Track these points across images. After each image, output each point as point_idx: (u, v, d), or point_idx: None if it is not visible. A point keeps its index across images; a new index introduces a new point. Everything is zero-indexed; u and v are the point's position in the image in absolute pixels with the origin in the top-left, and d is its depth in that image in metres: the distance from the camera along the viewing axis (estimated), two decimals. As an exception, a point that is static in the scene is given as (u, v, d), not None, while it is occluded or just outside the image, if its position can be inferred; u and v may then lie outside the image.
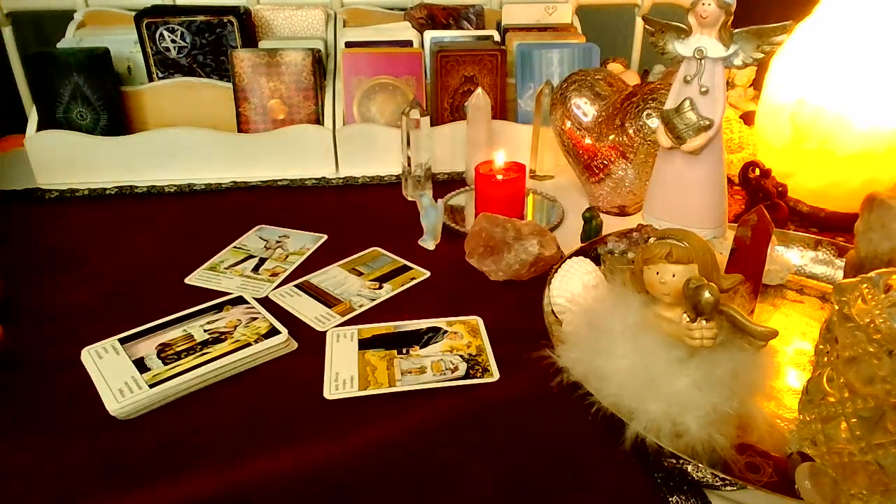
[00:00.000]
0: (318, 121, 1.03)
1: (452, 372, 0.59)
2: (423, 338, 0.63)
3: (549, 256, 0.73)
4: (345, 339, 0.63)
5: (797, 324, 0.68)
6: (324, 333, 0.64)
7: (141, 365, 0.58)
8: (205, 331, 0.63)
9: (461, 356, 0.61)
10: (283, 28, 1.13)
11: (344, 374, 0.58)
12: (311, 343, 0.63)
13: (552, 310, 0.64)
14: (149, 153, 0.98)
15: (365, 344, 0.62)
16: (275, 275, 0.75)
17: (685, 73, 0.69)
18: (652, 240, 0.52)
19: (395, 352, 0.61)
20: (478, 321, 0.66)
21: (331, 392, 0.56)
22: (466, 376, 0.58)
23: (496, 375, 0.58)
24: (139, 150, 0.98)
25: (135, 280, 0.74)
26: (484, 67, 1.05)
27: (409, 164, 0.93)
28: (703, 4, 0.65)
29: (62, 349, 0.61)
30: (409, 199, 0.95)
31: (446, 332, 0.64)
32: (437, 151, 1.01)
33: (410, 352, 0.61)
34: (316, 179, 1.01)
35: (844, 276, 0.68)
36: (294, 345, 0.63)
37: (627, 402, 0.49)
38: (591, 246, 0.73)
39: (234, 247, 0.81)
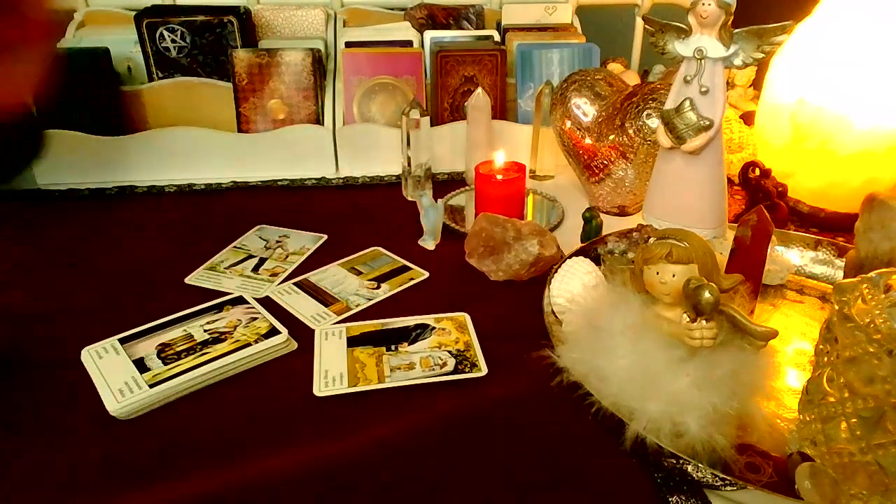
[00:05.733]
0: (318, 121, 1.03)
1: (441, 368, 0.59)
2: (412, 334, 0.63)
3: (549, 256, 0.73)
4: (333, 336, 0.63)
5: (797, 324, 0.68)
6: (320, 332, 0.64)
7: (141, 365, 0.58)
8: (205, 331, 0.63)
9: (449, 352, 0.61)
10: (283, 28, 1.13)
11: (333, 371, 0.58)
12: (308, 342, 0.63)
13: (552, 310, 0.64)
14: (149, 153, 0.98)
15: (353, 341, 0.62)
16: (275, 275, 0.75)
17: (685, 73, 0.69)
18: (652, 240, 0.52)
19: (383, 349, 0.61)
20: (465, 317, 0.66)
21: (320, 389, 0.56)
22: (455, 371, 0.58)
23: (484, 370, 0.59)
24: (139, 150, 0.97)
25: (135, 280, 0.74)
26: (484, 67, 1.05)
27: (409, 164, 0.93)
28: (703, 4, 0.65)
29: (62, 349, 0.61)
30: (409, 199, 0.95)
31: (434, 328, 0.64)
32: (437, 151, 1.01)
33: (399, 348, 0.61)
34: (316, 179, 1.01)
35: (844, 276, 0.68)
36: (294, 345, 0.63)
37: (627, 402, 0.49)
38: (591, 246, 0.73)
39: (234, 247, 0.81)
